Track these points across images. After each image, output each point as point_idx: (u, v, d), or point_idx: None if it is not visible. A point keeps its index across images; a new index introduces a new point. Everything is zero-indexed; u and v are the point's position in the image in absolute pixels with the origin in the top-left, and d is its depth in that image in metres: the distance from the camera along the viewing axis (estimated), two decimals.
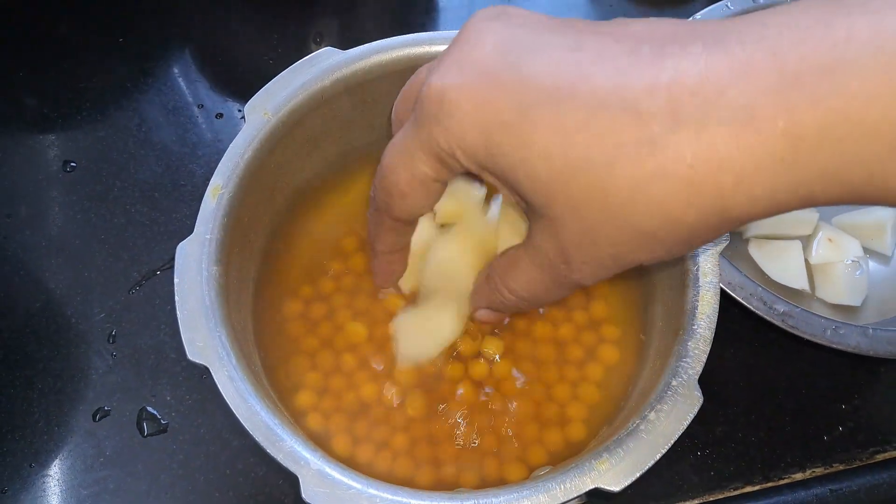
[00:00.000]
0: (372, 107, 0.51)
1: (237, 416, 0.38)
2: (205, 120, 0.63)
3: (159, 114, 0.64)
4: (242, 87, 0.65)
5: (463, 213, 0.41)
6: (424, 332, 0.45)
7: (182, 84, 0.65)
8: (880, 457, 0.54)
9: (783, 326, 0.49)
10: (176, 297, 0.40)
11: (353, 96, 0.49)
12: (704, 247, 0.43)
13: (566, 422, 0.46)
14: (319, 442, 0.45)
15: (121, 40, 0.67)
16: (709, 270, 0.42)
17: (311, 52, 0.48)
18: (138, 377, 0.53)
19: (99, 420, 0.52)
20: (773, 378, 0.56)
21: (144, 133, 0.63)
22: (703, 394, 0.39)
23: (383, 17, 0.71)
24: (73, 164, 0.61)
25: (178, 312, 0.40)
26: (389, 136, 0.38)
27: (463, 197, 0.40)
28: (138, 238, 0.58)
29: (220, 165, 0.44)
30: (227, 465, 0.50)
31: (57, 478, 0.50)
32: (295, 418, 0.45)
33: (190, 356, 0.39)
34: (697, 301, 0.42)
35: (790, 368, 0.57)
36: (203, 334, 0.39)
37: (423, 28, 0.70)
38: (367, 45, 0.49)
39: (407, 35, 0.49)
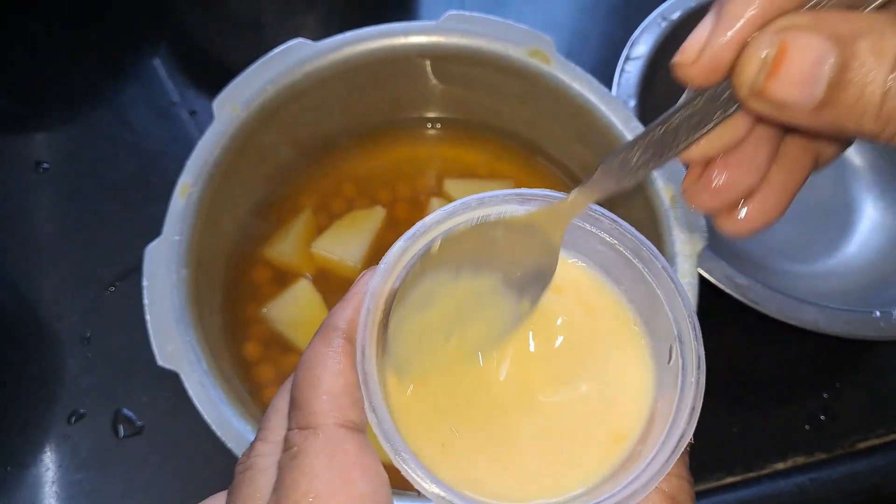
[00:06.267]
0: (346, 97, 0.50)
1: (209, 422, 0.37)
2: (178, 116, 0.62)
3: (131, 111, 0.62)
4: (217, 82, 0.63)
5: None
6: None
7: (155, 81, 0.64)
8: (862, 445, 0.54)
9: (743, 300, 0.48)
10: (145, 302, 0.39)
11: (326, 87, 0.48)
12: (682, 249, 0.42)
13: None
14: None
15: (93, 36, 0.66)
16: (686, 272, 0.42)
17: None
18: (113, 378, 0.52)
19: (74, 422, 0.51)
20: (756, 367, 0.56)
21: (117, 131, 0.62)
22: None
23: (360, 9, 0.70)
24: (45, 165, 0.60)
25: (147, 317, 0.39)
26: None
27: None
28: (111, 238, 0.57)
29: (188, 163, 0.43)
30: (203, 465, 0.50)
31: (32, 481, 0.49)
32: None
33: (160, 361, 0.38)
34: None
35: (773, 357, 0.56)
36: (173, 339, 0.39)
37: (399, 20, 0.68)
38: (339, 36, 0.48)
39: (381, 25, 0.48)
